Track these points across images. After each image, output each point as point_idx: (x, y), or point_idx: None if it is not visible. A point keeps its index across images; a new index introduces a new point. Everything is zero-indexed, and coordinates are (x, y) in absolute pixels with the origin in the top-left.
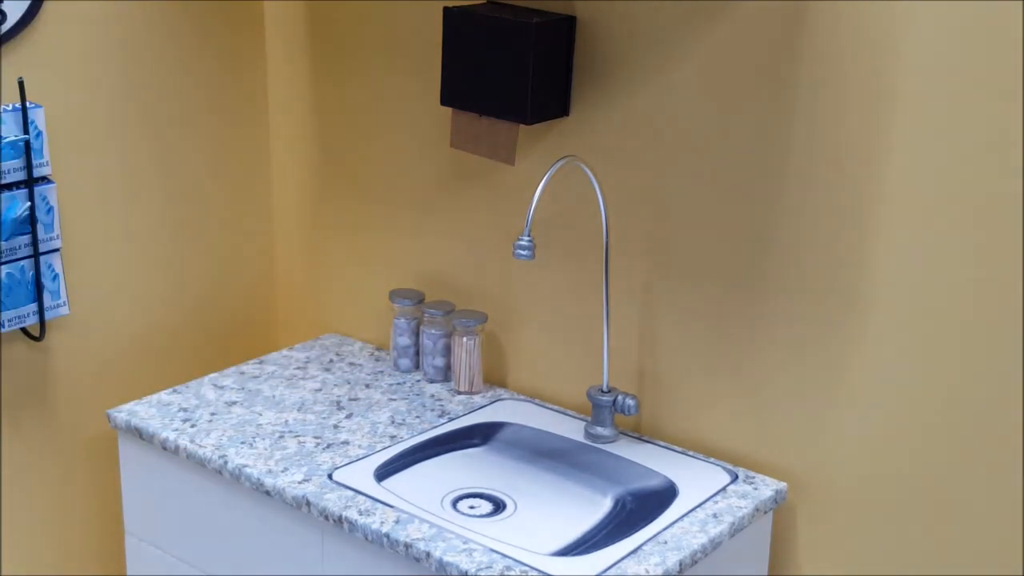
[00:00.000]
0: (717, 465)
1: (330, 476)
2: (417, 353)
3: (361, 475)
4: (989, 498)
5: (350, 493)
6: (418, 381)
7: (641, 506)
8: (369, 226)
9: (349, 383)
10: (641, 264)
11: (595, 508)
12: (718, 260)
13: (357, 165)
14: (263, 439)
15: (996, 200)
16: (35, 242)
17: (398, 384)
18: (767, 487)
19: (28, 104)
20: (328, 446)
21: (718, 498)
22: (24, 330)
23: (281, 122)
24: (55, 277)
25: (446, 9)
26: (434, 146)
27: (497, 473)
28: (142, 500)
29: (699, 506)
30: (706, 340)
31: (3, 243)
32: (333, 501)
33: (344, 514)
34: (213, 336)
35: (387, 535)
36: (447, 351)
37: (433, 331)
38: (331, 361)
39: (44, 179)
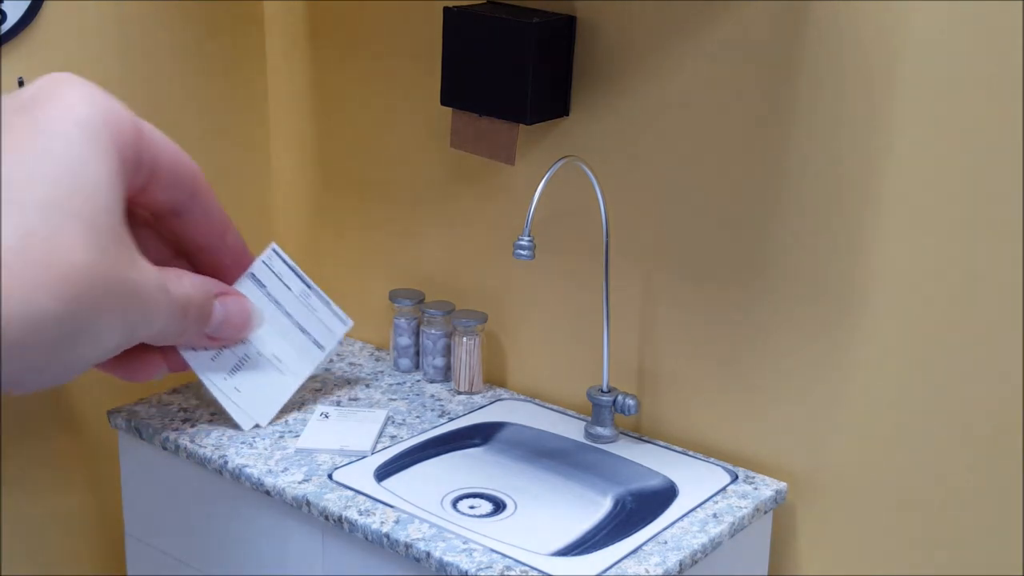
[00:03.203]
0: (717, 465)
1: (330, 476)
2: (417, 353)
3: (361, 475)
4: (989, 498)
5: (350, 493)
6: (418, 381)
7: (641, 506)
8: (369, 226)
9: (349, 383)
10: (641, 264)
11: (595, 508)
12: (719, 260)
13: (357, 165)
14: (263, 439)
15: (996, 200)
16: None
17: (398, 384)
18: (767, 487)
19: None
20: None
21: (718, 498)
22: None
23: (281, 122)
24: None
25: (446, 9)
26: (434, 146)
27: (497, 473)
28: (142, 500)
29: (699, 506)
30: (706, 340)
31: None
32: (333, 501)
33: (344, 514)
34: None
35: (387, 535)
36: (447, 351)
37: (433, 331)
38: (331, 361)
39: None
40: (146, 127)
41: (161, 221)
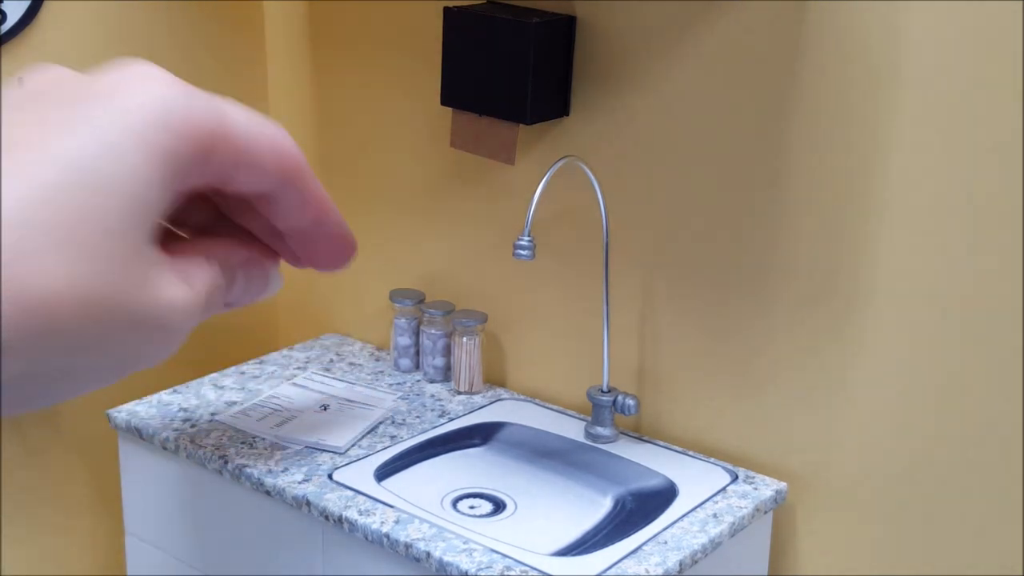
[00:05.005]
0: (717, 465)
1: (330, 476)
2: (417, 353)
3: (361, 475)
4: (989, 498)
5: (350, 493)
6: (418, 381)
7: (641, 506)
8: (369, 226)
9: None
10: (641, 264)
11: (595, 508)
12: (718, 260)
13: (357, 165)
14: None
15: (997, 202)
16: None
17: (398, 384)
18: (767, 487)
19: None
20: None
21: (718, 498)
22: None
23: (281, 122)
24: None
25: (446, 9)
26: (434, 146)
27: (497, 473)
28: (142, 500)
29: (699, 506)
30: (706, 340)
31: None
32: (333, 501)
33: (344, 514)
34: (213, 336)
35: (387, 535)
36: (447, 351)
37: (433, 331)
38: (331, 361)
39: None
40: (232, 120)
41: (253, 203)
